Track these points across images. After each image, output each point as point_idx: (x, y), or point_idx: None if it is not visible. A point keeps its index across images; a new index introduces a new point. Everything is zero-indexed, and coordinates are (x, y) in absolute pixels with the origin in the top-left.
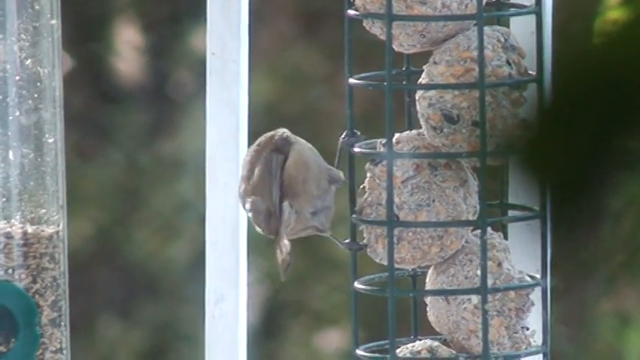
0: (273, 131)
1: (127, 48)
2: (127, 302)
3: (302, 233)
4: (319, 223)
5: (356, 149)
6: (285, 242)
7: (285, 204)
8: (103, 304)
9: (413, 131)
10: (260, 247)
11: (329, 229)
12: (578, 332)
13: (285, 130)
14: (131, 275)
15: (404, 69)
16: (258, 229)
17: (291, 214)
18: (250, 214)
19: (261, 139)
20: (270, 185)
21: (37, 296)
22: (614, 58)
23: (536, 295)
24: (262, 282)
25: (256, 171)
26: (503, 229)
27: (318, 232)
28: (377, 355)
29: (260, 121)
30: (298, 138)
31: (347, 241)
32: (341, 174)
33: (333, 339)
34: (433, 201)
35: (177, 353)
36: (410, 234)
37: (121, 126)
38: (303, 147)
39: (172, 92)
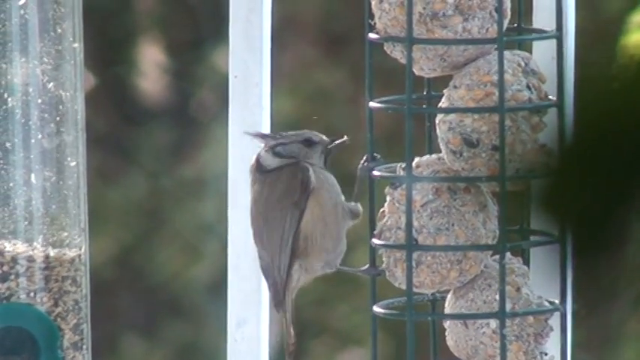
0: (295, 167)
1: (150, 69)
2: (149, 324)
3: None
4: (328, 268)
5: (376, 173)
6: (291, 323)
7: (295, 267)
8: (126, 325)
9: (433, 155)
10: None
11: (338, 265)
12: (600, 358)
13: (307, 165)
14: (153, 297)
15: (424, 93)
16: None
17: (301, 276)
18: (262, 272)
19: (287, 175)
20: (280, 250)
21: (58, 320)
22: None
23: (555, 321)
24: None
25: (269, 223)
26: (522, 254)
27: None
28: None
29: None
30: (319, 173)
31: (365, 266)
32: (360, 208)
33: (355, 359)
34: (452, 225)
35: None
36: (429, 258)
37: (143, 147)
38: (322, 195)
39: (195, 113)
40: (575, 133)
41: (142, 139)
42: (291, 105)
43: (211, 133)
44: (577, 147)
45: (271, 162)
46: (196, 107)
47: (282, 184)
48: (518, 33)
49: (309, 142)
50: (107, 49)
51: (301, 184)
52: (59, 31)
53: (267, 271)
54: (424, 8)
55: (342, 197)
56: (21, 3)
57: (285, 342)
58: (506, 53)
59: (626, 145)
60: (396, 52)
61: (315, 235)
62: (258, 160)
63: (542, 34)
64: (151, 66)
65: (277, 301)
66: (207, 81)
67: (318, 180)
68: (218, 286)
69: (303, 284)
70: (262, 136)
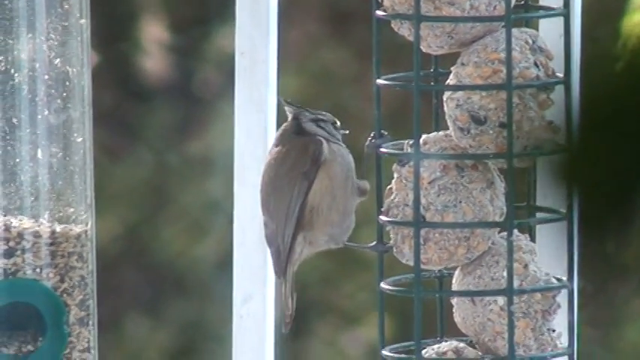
0: (308, 138)
1: (155, 46)
2: (154, 301)
3: (314, 253)
4: (334, 243)
5: (383, 150)
6: (290, 294)
7: (299, 239)
8: (131, 302)
9: (440, 132)
10: None
11: (345, 241)
12: (607, 334)
13: (321, 138)
14: (159, 274)
15: (432, 70)
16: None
17: (304, 248)
18: (266, 240)
19: (298, 145)
20: (285, 220)
21: (64, 295)
22: None
23: (562, 297)
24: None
25: (278, 191)
26: (530, 231)
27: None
28: (403, 355)
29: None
30: (334, 146)
31: (373, 243)
32: (367, 185)
33: (360, 338)
34: (460, 202)
35: (205, 352)
36: (436, 235)
37: (149, 124)
38: (333, 168)
39: (200, 91)
40: (582, 110)
41: (148, 116)
42: (298, 82)
43: (217, 111)
44: (584, 123)
45: (315, 131)
46: (202, 85)
47: (294, 154)
48: (525, 10)
49: (335, 126)
50: (112, 26)
51: (313, 155)
52: (66, 7)
53: (270, 238)
54: None
55: (354, 173)
56: None
57: (283, 313)
58: (514, 31)
59: (633, 122)
60: (404, 30)
61: (321, 207)
62: (298, 125)
63: (549, 12)
64: (156, 43)
65: (278, 268)
66: (213, 58)
67: (331, 153)
68: (224, 264)
69: (306, 257)
70: (297, 109)
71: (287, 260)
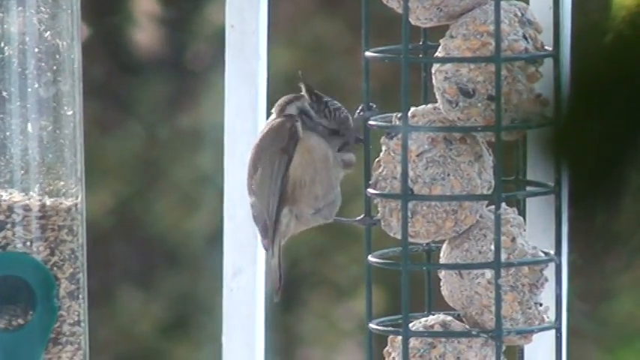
0: (286, 111)
1: (146, 19)
2: (145, 274)
3: (303, 229)
4: (322, 218)
5: (371, 122)
6: (279, 262)
7: (284, 212)
8: (122, 276)
9: (429, 105)
10: None
11: (334, 216)
12: (597, 307)
13: (295, 114)
14: (150, 247)
15: (421, 43)
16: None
17: (290, 222)
18: (253, 220)
19: (274, 125)
20: (268, 194)
21: (55, 269)
22: (634, 34)
23: (550, 271)
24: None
25: (259, 170)
26: (517, 205)
27: (321, 223)
28: (391, 328)
29: (279, 93)
30: (306, 126)
31: (361, 216)
32: (353, 157)
33: (351, 311)
34: (448, 175)
35: (196, 325)
36: (424, 208)
37: (140, 98)
38: (311, 142)
39: (191, 64)
40: (571, 83)
41: (138, 90)
42: (289, 55)
43: (208, 84)
44: (573, 96)
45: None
46: (193, 58)
47: (271, 132)
48: None
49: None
50: None
51: (289, 131)
52: None
53: (257, 218)
54: None
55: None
56: None
57: (273, 287)
58: (503, 3)
59: (622, 95)
60: (393, 2)
61: (304, 180)
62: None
63: None
64: (146, 16)
65: (266, 242)
66: (204, 31)
67: (306, 131)
68: (215, 237)
69: (295, 232)
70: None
71: (273, 232)
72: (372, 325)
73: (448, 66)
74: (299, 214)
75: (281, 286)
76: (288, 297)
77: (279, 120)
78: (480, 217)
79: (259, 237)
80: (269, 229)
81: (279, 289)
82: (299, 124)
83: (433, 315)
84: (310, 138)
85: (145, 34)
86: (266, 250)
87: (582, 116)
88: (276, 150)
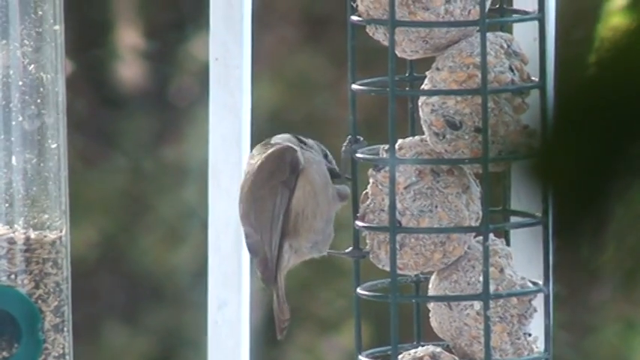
0: (283, 147)
1: (130, 53)
2: (131, 308)
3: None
4: (317, 252)
5: (359, 155)
6: (284, 300)
7: (285, 247)
8: (107, 310)
9: (416, 137)
10: None
11: (327, 249)
12: (581, 338)
13: (294, 146)
14: (135, 281)
15: (407, 75)
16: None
17: (291, 257)
18: (248, 250)
19: (273, 154)
20: (270, 230)
21: (39, 302)
22: (617, 66)
23: (538, 302)
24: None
25: (259, 204)
26: (505, 236)
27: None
28: None
29: (263, 127)
30: (307, 154)
31: (349, 249)
32: (347, 189)
33: (337, 345)
34: (436, 207)
35: (181, 359)
36: (412, 240)
37: (124, 132)
38: (312, 174)
39: (175, 98)
40: (555, 113)
41: (122, 123)
42: (273, 88)
43: (192, 118)
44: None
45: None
46: (177, 91)
47: (269, 163)
48: (500, 15)
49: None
50: (87, 32)
51: (290, 164)
52: (40, 13)
53: (254, 248)
54: None
55: (330, 179)
56: None
57: (277, 319)
58: (489, 35)
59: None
60: (379, 35)
61: (306, 213)
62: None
63: (524, 16)
64: (130, 50)
65: (267, 276)
66: (188, 65)
67: (307, 161)
68: (200, 271)
69: (292, 266)
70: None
71: (276, 267)
72: (361, 358)
73: (435, 98)
74: (298, 249)
75: (288, 323)
76: (273, 330)
77: (277, 149)
78: (469, 248)
79: (245, 268)
80: (270, 263)
81: (285, 327)
82: (300, 155)
83: (422, 346)
84: (311, 167)
85: (129, 68)
86: (266, 284)
87: (566, 146)
88: (277, 183)
